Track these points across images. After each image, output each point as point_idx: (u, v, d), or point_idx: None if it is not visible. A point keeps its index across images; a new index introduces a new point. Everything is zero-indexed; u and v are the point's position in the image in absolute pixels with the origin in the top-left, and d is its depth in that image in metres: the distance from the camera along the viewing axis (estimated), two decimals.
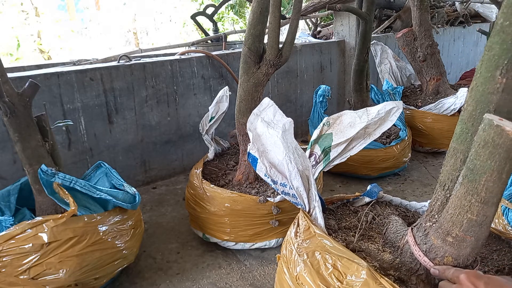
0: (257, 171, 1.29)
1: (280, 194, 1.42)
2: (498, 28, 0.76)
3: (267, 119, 1.25)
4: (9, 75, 1.54)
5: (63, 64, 2.75)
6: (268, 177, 1.24)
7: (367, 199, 1.31)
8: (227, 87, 2.05)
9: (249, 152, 1.31)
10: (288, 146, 1.15)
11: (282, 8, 2.30)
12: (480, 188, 0.75)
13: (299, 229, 1.11)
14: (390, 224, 1.14)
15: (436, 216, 0.94)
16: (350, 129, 1.39)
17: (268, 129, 1.22)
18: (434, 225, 0.93)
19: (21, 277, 1.32)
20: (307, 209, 1.16)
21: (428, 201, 1.36)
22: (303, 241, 1.06)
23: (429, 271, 0.91)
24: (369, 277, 0.86)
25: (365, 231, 1.15)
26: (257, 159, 1.26)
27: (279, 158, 1.19)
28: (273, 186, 1.25)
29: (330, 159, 1.47)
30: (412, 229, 1.00)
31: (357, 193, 1.34)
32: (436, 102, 2.93)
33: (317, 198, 1.15)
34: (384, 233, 1.12)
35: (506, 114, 0.76)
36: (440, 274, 0.87)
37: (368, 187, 1.31)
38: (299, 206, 1.19)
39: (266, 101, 1.28)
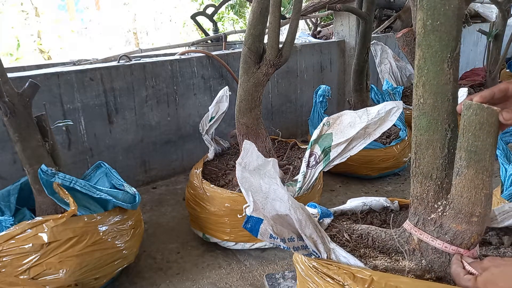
0: (259, 237, 1.02)
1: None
2: (429, 28, 0.85)
3: (252, 167, 1.09)
4: (9, 75, 1.54)
5: (63, 64, 2.76)
6: (277, 238, 1.00)
7: (328, 220, 1.21)
8: (227, 87, 2.05)
9: (250, 216, 1.03)
10: (288, 192, 1.00)
11: (282, 8, 2.30)
12: (487, 164, 0.83)
13: (340, 281, 0.94)
14: (372, 234, 1.11)
15: (435, 206, 0.95)
16: (350, 129, 1.38)
17: (262, 178, 1.04)
18: (445, 214, 0.93)
19: (21, 277, 1.32)
20: (323, 256, 1.01)
21: (354, 201, 1.28)
22: None
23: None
24: None
25: (356, 251, 1.09)
26: (262, 220, 1.01)
27: (281, 209, 1.01)
28: (282, 245, 1.01)
29: (330, 159, 1.48)
30: (416, 226, 1.00)
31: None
32: None
33: (329, 238, 1.02)
34: (372, 245, 1.09)
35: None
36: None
37: (319, 210, 1.20)
38: (312, 257, 1.02)
39: (247, 145, 1.11)
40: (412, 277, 0.94)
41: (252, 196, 1.03)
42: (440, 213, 0.95)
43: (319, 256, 1.01)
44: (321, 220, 1.20)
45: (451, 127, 0.89)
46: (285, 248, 1.03)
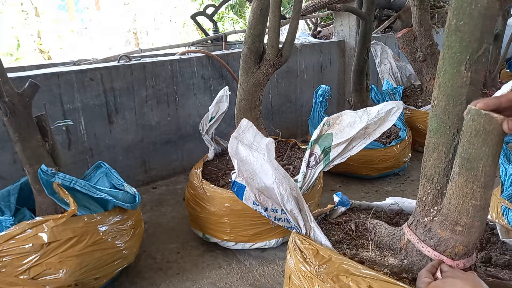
0: (243, 201, 1.20)
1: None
2: (453, 28, 0.82)
3: (247, 142, 1.19)
4: (9, 75, 1.54)
5: (63, 64, 2.75)
6: (258, 205, 1.17)
7: (342, 209, 1.28)
8: (227, 87, 2.05)
9: (234, 181, 1.20)
10: (275, 169, 1.09)
11: (282, 8, 2.30)
12: (480, 174, 0.79)
13: (306, 254, 1.03)
14: (376, 228, 1.13)
15: (431, 210, 0.95)
16: (350, 129, 1.39)
17: (252, 152, 1.16)
18: (435, 218, 0.93)
19: (21, 277, 1.32)
20: (303, 232, 1.10)
21: (389, 199, 1.32)
22: (319, 267, 0.99)
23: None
24: None
25: (355, 240, 1.13)
26: (245, 187, 1.18)
27: (267, 182, 1.13)
28: (264, 213, 1.18)
29: (330, 159, 1.48)
30: (409, 227, 1.00)
31: (329, 205, 1.29)
32: None
33: (312, 218, 1.10)
34: (374, 238, 1.11)
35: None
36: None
37: (339, 198, 1.28)
38: (294, 230, 1.13)
39: (245, 122, 1.22)
40: (386, 272, 0.96)
41: (238, 165, 1.16)
42: (431, 218, 0.95)
43: (299, 231, 1.10)
44: (337, 207, 1.27)
45: (460, 132, 0.85)
46: (267, 216, 1.18)
